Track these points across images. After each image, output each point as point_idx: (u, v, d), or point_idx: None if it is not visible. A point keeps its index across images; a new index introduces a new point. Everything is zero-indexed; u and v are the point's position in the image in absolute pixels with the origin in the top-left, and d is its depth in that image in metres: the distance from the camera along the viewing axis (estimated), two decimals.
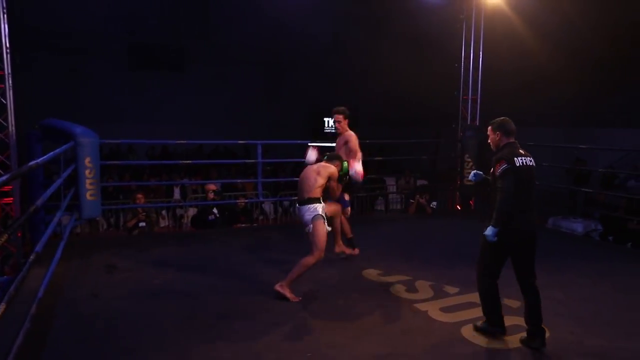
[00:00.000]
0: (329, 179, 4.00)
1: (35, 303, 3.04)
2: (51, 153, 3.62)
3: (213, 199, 7.07)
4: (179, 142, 9.19)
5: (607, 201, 8.29)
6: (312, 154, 4.44)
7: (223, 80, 15.09)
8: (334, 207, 4.35)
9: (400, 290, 3.99)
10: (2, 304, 2.16)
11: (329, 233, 3.91)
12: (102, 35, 13.86)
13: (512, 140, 3.13)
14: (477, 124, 7.62)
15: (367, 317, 3.47)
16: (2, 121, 4.88)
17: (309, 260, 3.76)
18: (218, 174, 10.94)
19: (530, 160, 3.10)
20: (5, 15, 4.79)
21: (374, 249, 5.09)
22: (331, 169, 4.05)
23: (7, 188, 4.78)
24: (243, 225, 7.19)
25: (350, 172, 4.32)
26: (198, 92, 14.85)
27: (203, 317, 3.44)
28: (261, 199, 7.37)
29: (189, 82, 14.98)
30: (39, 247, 3.08)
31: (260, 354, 2.93)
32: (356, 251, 4.85)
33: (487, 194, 3.31)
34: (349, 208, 4.65)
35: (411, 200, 8.28)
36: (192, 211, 8.28)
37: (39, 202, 3.07)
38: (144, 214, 6.58)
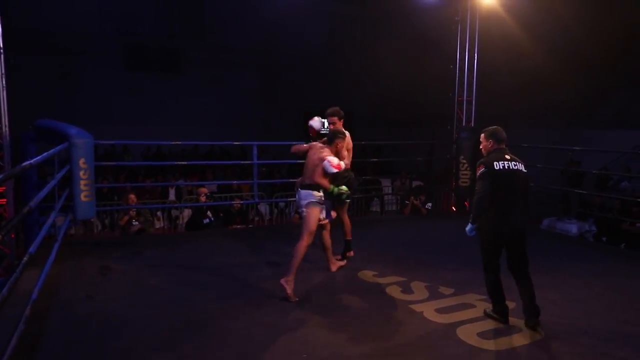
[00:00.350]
0: (321, 161, 4.01)
1: (30, 305, 3.02)
2: (45, 154, 3.59)
3: (205, 202, 7.08)
4: (174, 142, 9.17)
5: (601, 202, 8.35)
6: (316, 122, 4.57)
7: (219, 81, 15.09)
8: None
9: (395, 291, 4.00)
10: None
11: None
12: (97, 36, 13.82)
13: (502, 146, 3.41)
14: (473, 125, 7.65)
15: (363, 318, 3.47)
16: None
17: (301, 244, 3.87)
18: (213, 175, 10.92)
19: (516, 165, 3.34)
20: None
21: (370, 250, 5.09)
22: (325, 152, 4.06)
23: (0, 189, 4.75)
24: (239, 226, 7.19)
25: (324, 164, 4.12)
26: (194, 93, 14.84)
27: (198, 318, 3.43)
28: (257, 200, 7.35)
29: (185, 83, 14.96)
30: (32, 249, 3.06)
31: (255, 355, 2.92)
32: (351, 253, 4.80)
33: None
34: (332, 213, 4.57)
35: (406, 202, 8.31)
36: (187, 212, 8.26)
37: (33, 203, 3.05)
38: (134, 210, 6.60)
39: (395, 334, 3.24)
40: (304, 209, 3.96)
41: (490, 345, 3.10)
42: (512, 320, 3.44)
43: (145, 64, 14.88)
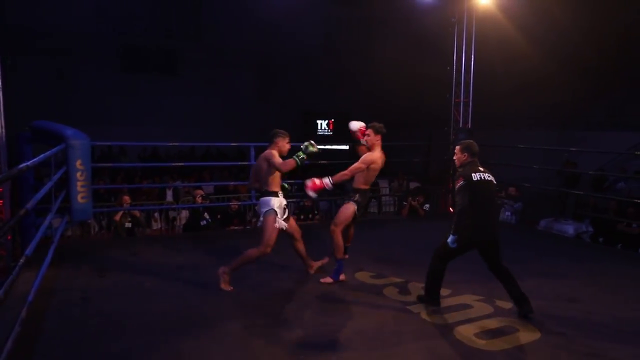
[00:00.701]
0: (268, 163, 3.91)
1: (26, 307, 3.00)
2: (42, 155, 3.58)
3: (201, 203, 7.08)
4: (171, 144, 9.15)
5: (597, 203, 8.37)
6: (354, 125, 4.45)
7: (215, 82, 15.07)
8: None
9: (392, 292, 4.00)
10: None
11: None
12: (94, 36, 13.79)
13: (475, 159, 3.64)
14: (469, 126, 7.67)
15: (360, 320, 3.47)
16: None
17: (253, 252, 3.86)
18: (210, 176, 10.90)
19: (489, 176, 3.58)
20: None
21: (367, 252, 5.09)
22: (266, 153, 3.94)
23: None
24: (236, 227, 7.18)
25: (307, 191, 4.05)
26: (190, 95, 14.81)
27: (195, 319, 3.42)
28: (254, 201, 7.34)
29: (181, 84, 14.93)
30: (29, 251, 3.05)
31: (252, 356, 2.92)
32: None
33: None
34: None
35: (404, 203, 8.31)
36: (184, 214, 8.24)
37: (30, 205, 3.04)
38: (128, 204, 6.64)
39: (392, 335, 3.24)
40: (261, 218, 3.90)
41: (487, 345, 3.10)
42: (509, 320, 3.46)
43: (142, 65, 14.84)
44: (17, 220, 3.01)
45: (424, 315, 3.54)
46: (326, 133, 16.53)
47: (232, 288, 3.89)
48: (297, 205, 8.57)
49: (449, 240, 3.53)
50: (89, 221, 7.56)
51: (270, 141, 4.06)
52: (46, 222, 3.95)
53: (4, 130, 4.81)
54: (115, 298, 3.80)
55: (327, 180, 4.05)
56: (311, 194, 4.03)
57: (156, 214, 8.45)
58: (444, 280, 3.72)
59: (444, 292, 3.98)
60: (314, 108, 16.36)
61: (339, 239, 4.20)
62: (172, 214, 8.56)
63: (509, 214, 7.16)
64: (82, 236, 7.77)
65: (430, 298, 3.70)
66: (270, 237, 3.85)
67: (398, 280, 4.27)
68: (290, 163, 3.83)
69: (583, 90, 11.14)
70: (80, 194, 4.76)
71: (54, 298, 3.74)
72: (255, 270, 4.51)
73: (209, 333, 3.22)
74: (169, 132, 12.47)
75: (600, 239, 6.87)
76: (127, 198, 7.01)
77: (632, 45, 10.70)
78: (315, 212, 8.49)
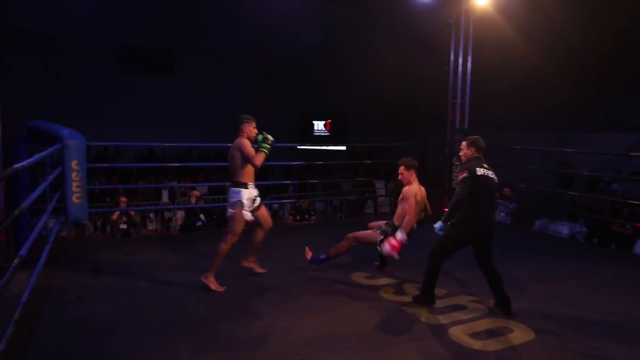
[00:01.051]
0: (241, 154, 3.94)
1: (20, 308, 2.99)
2: (37, 155, 3.56)
3: (196, 204, 7.09)
4: (168, 144, 9.13)
5: (592, 204, 8.41)
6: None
7: (213, 83, 15.05)
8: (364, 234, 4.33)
9: (388, 293, 4.01)
10: None
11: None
12: (91, 37, 13.75)
13: (480, 155, 3.67)
14: (466, 127, 7.69)
15: (356, 320, 3.47)
16: None
17: (223, 246, 3.91)
18: (206, 177, 10.88)
19: (492, 174, 3.62)
20: None
21: (362, 252, 5.09)
22: (237, 142, 3.98)
23: None
24: None
25: (384, 250, 4.03)
26: (188, 95, 14.78)
27: (190, 320, 3.42)
28: None
29: (179, 84, 14.90)
30: (23, 251, 3.03)
31: (248, 357, 2.92)
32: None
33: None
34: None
35: None
36: (180, 214, 8.23)
37: (24, 205, 3.02)
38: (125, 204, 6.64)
39: (387, 335, 3.25)
40: (230, 210, 3.96)
41: (481, 345, 3.11)
42: (504, 321, 3.47)
43: (140, 65, 14.81)
44: (12, 221, 3.00)
45: (419, 316, 3.55)
46: (323, 133, 16.55)
47: (223, 288, 3.93)
48: (294, 206, 8.57)
49: (437, 226, 3.59)
50: (84, 222, 7.55)
51: (237, 128, 4.07)
52: (41, 223, 3.93)
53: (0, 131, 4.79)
54: (110, 299, 3.79)
55: (403, 237, 4.07)
56: (396, 255, 4.02)
57: (152, 215, 8.44)
58: (438, 281, 3.74)
59: (439, 292, 3.99)
60: (311, 108, 16.38)
61: (344, 247, 4.36)
62: (167, 214, 8.56)
63: (504, 214, 7.18)
64: (77, 236, 7.76)
65: (426, 298, 3.72)
66: (238, 227, 3.93)
67: (393, 280, 4.28)
68: (261, 156, 3.96)
69: (579, 91, 11.19)
70: (76, 194, 4.74)
71: (48, 298, 3.73)
72: (248, 270, 4.51)
73: (204, 334, 3.21)
74: (166, 132, 12.45)
75: (595, 240, 6.90)
76: (124, 199, 7.00)
77: (629, 47, 10.76)
78: (312, 212, 8.49)
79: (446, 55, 7.82)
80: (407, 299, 3.88)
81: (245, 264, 4.37)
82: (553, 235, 6.89)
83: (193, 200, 7.18)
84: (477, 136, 3.75)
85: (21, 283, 3.44)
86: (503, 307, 3.60)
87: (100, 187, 8.92)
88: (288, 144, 7.38)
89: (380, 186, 10.85)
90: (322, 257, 4.41)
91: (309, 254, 4.45)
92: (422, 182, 4.53)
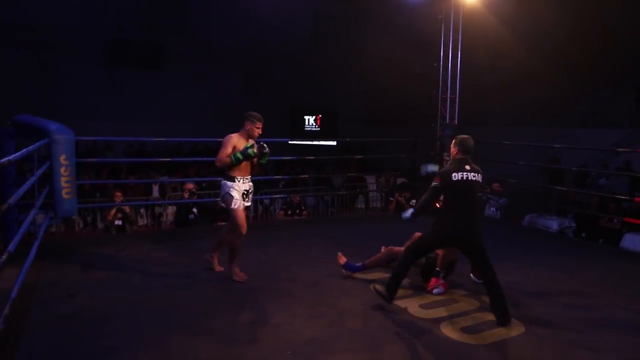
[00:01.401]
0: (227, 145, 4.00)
1: (9, 304, 2.96)
2: (25, 150, 3.52)
3: (189, 199, 7.03)
4: (157, 139, 9.05)
5: (580, 199, 8.52)
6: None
7: (202, 78, 14.92)
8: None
9: (379, 288, 4.02)
10: None
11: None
12: (78, 30, 13.55)
13: (465, 157, 3.58)
14: (456, 122, 7.73)
15: (347, 315, 3.49)
16: None
17: (236, 241, 4.03)
18: (197, 172, 10.82)
19: (474, 175, 3.52)
20: None
21: (354, 247, 5.11)
22: (226, 137, 4.05)
23: None
24: (223, 223, 7.12)
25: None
26: (177, 90, 14.64)
27: (182, 315, 3.41)
28: None
29: (168, 79, 14.75)
30: (12, 247, 3.00)
31: (240, 353, 2.92)
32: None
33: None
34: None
35: (391, 199, 8.35)
36: (171, 209, 8.17)
37: (12, 200, 2.99)
38: (120, 202, 6.58)
39: (379, 329, 3.27)
40: (222, 203, 4.07)
41: (473, 339, 3.14)
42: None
43: (128, 59, 14.64)
44: None
45: (410, 310, 3.57)
46: (314, 129, 16.53)
47: (222, 268, 4.16)
48: (285, 201, 8.57)
49: (406, 214, 3.71)
50: (74, 217, 7.48)
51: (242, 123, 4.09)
52: (29, 218, 3.89)
53: None
54: (101, 294, 3.76)
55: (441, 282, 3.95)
56: (436, 291, 3.89)
57: (142, 210, 8.38)
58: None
59: None
60: (301, 103, 16.34)
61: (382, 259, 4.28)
62: (158, 209, 8.50)
63: (494, 209, 7.24)
64: (66, 232, 7.69)
65: (388, 294, 3.54)
66: (241, 219, 3.99)
67: (385, 275, 4.28)
68: (224, 160, 3.96)
69: (567, 88, 11.32)
70: (65, 189, 4.69)
71: (37, 295, 3.69)
72: (240, 265, 4.51)
73: (196, 329, 3.21)
74: (155, 127, 12.32)
75: (583, 234, 7.00)
76: (119, 194, 6.90)
77: (615, 44, 10.89)
78: (303, 207, 8.49)
79: (436, 50, 7.85)
80: (399, 293, 3.88)
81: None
82: (542, 229, 6.98)
83: (186, 195, 7.12)
84: (467, 136, 3.65)
85: (10, 279, 3.40)
86: (500, 319, 3.36)
87: (89, 182, 8.82)
88: (279, 139, 7.35)
89: (371, 181, 10.88)
90: (357, 265, 4.26)
91: (342, 259, 4.31)
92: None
